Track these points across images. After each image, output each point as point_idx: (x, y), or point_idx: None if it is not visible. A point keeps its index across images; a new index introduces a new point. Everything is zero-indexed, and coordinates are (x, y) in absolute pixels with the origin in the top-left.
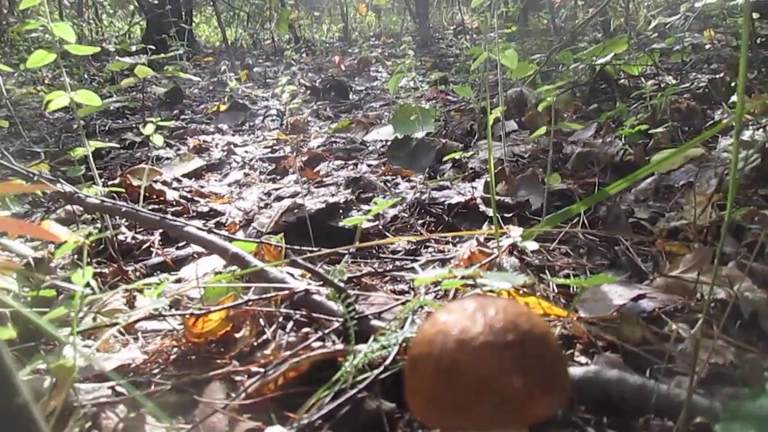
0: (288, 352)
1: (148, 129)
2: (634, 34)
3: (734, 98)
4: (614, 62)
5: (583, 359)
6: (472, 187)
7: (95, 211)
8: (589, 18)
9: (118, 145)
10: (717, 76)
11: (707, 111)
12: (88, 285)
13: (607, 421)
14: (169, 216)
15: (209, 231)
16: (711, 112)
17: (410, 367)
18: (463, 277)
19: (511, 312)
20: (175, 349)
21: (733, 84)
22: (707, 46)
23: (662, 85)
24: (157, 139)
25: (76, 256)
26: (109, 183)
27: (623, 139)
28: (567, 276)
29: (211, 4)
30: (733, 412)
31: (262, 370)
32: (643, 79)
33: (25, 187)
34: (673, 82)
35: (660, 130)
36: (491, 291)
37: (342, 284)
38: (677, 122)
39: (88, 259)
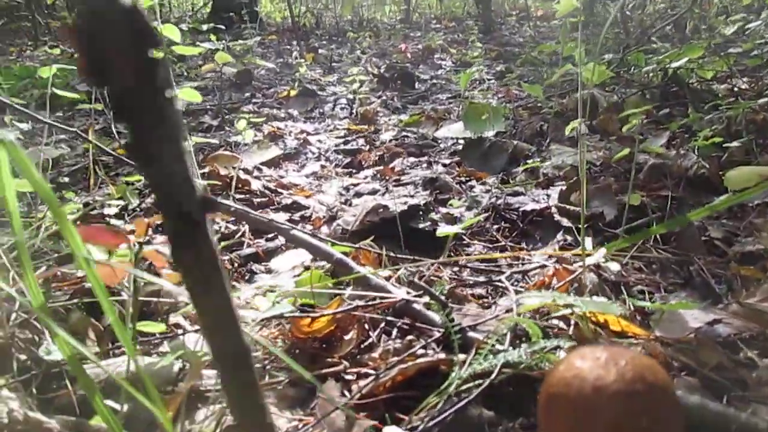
0: (396, 358)
1: (241, 125)
2: (709, 35)
3: None
4: (687, 65)
5: None
6: (546, 195)
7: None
8: (665, 23)
9: (216, 141)
10: None
11: None
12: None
13: None
14: (269, 216)
15: (313, 235)
16: None
17: (547, 403)
18: (563, 305)
19: (638, 364)
20: (280, 341)
21: None
22: None
23: (735, 89)
24: (248, 135)
25: None
26: (200, 172)
27: (696, 150)
28: (642, 293)
29: None
30: None
31: (372, 371)
32: (716, 82)
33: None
34: (746, 86)
35: (735, 144)
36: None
37: (444, 298)
38: (752, 135)
39: None
